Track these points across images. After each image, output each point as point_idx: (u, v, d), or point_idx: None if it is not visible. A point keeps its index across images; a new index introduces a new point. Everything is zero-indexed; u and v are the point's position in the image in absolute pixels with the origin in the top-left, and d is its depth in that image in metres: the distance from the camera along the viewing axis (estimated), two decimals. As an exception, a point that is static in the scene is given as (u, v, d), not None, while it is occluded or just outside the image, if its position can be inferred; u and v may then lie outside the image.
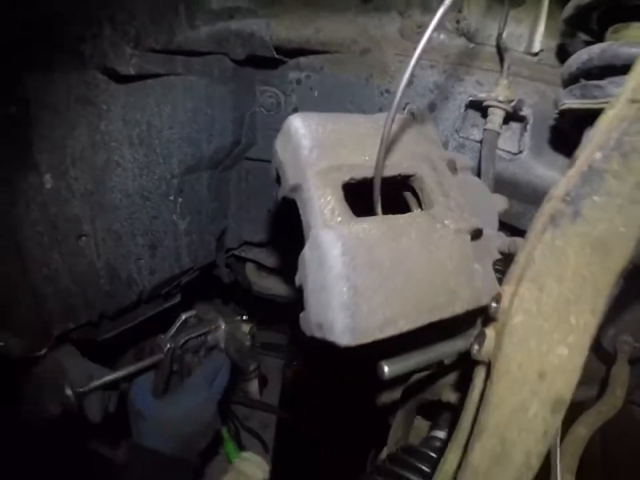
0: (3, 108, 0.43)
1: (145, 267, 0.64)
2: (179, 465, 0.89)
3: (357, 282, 0.28)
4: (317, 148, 0.32)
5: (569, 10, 0.36)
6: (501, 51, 0.43)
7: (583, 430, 0.47)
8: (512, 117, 0.43)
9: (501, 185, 0.41)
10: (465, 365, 0.34)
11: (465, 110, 0.45)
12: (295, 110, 0.56)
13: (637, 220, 0.27)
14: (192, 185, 0.60)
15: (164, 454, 0.84)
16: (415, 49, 0.31)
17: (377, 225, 0.31)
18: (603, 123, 0.28)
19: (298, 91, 0.53)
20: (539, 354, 0.29)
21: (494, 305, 0.30)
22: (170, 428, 0.83)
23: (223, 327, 0.75)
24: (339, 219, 0.31)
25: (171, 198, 0.58)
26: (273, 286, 0.79)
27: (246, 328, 1.17)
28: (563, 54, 0.39)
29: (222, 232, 0.70)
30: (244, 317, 1.40)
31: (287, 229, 0.75)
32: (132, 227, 0.58)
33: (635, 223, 0.27)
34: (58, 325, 0.61)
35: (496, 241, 0.37)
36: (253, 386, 1.20)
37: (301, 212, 0.31)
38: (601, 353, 0.56)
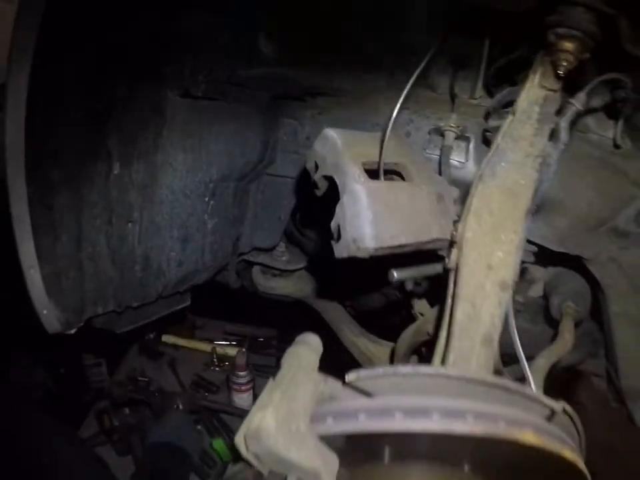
0: (92, 102, 0.57)
1: (175, 259, 0.77)
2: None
3: (376, 211, 0.48)
4: (345, 145, 0.51)
5: (492, 70, 0.61)
6: (453, 98, 0.67)
7: (541, 361, 0.62)
8: (460, 137, 0.65)
9: (454, 184, 0.62)
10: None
11: (430, 135, 0.66)
12: (308, 138, 0.76)
13: (530, 177, 0.51)
14: (222, 191, 0.78)
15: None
16: (398, 97, 0.54)
17: (384, 184, 0.51)
18: (504, 125, 0.50)
19: (311, 124, 0.73)
20: (485, 255, 0.50)
21: (454, 232, 0.50)
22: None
23: None
24: (363, 179, 0.49)
25: (206, 199, 0.76)
26: (277, 286, 0.94)
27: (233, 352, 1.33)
28: (491, 96, 0.64)
29: (238, 237, 0.86)
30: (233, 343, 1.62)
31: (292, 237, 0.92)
32: (171, 220, 0.74)
33: (530, 179, 0.50)
34: (90, 307, 0.69)
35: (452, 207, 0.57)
36: (247, 399, 1.27)
37: (337, 180, 0.50)
38: (550, 320, 0.74)
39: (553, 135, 0.55)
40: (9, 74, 0.52)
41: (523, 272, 0.81)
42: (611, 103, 0.62)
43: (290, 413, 0.34)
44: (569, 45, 0.51)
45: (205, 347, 1.61)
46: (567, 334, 0.73)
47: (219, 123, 0.69)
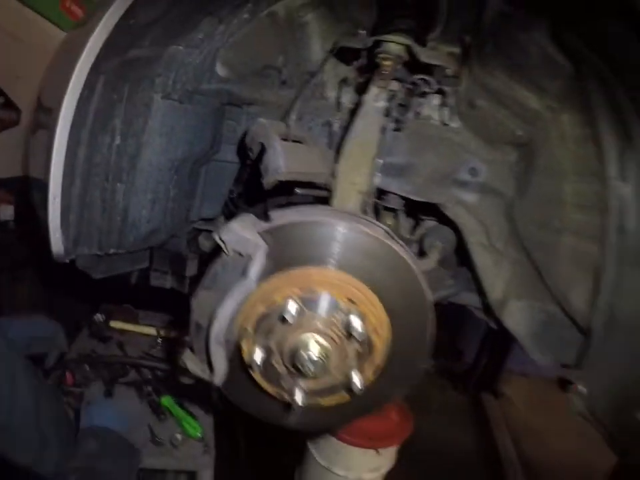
0: (111, 95, 1.18)
1: (145, 216, 1.28)
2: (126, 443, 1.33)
3: (286, 155, 1.10)
4: (269, 125, 1.15)
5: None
6: (339, 104, 1.34)
7: None
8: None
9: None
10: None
11: (323, 126, 1.34)
12: (243, 134, 1.40)
13: (373, 138, 1.12)
14: (182, 169, 1.29)
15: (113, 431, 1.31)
16: (304, 106, 1.24)
17: (291, 144, 1.14)
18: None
19: (245, 124, 1.36)
20: (350, 177, 1.09)
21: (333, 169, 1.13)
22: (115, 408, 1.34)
23: None
24: (278, 139, 1.12)
25: (171, 173, 1.29)
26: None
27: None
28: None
29: (189, 208, 1.41)
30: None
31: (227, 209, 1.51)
32: (146, 184, 1.25)
33: (373, 139, 1.12)
34: (82, 244, 1.22)
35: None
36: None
37: (265, 142, 1.06)
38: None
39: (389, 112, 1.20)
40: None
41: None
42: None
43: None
44: (386, 63, 1.21)
45: (150, 330, 2.41)
46: (432, 257, 1.30)
47: (185, 119, 1.26)
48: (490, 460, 3.51)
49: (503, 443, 3.61)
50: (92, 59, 1.03)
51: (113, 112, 1.16)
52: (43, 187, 1.10)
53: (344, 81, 1.28)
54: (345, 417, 1.05)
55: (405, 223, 1.34)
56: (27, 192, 1.28)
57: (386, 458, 1.64)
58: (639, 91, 0.92)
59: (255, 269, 0.87)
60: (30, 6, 2.37)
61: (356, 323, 0.88)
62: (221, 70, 1.25)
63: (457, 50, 1.23)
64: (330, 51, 1.23)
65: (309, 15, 1.18)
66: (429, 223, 1.33)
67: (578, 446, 3.20)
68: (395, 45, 1.13)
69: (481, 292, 1.29)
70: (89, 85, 1.05)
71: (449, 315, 1.70)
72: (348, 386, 0.93)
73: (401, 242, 0.97)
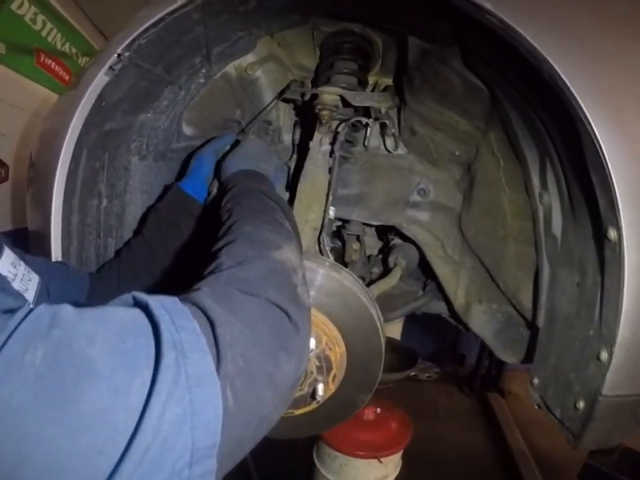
0: (94, 165, 1.39)
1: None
2: None
3: None
4: None
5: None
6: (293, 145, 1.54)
7: (374, 288, 1.35)
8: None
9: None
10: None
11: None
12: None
13: (323, 179, 1.29)
14: None
15: None
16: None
17: None
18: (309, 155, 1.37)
19: None
20: (304, 216, 1.26)
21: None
22: None
23: None
24: None
25: None
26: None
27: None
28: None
29: None
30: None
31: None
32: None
33: (323, 179, 1.28)
34: None
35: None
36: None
37: None
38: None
39: (333, 152, 1.38)
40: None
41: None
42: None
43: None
44: (324, 112, 1.38)
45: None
46: (394, 275, 1.45)
47: (160, 175, 1.44)
48: (504, 458, 3.59)
49: (514, 440, 3.69)
50: (75, 139, 1.24)
51: (97, 178, 1.37)
52: (47, 252, 1.31)
53: (296, 123, 1.47)
54: (317, 424, 1.21)
55: (373, 244, 1.51)
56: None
57: (390, 467, 1.78)
58: (539, 109, 1.06)
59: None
60: (7, 64, 2.55)
61: (311, 343, 1.05)
62: (186, 129, 1.45)
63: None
64: (277, 98, 1.42)
65: (257, 71, 1.37)
66: (394, 241, 1.49)
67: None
68: (329, 95, 1.30)
69: (447, 300, 1.43)
70: (74, 160, 1.25)
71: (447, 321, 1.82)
72: (314, 396, 1.10)
73: (343, 270, 1.13)
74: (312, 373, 1.10)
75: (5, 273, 0.86)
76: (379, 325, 1.09)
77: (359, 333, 1.09)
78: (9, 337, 0.42)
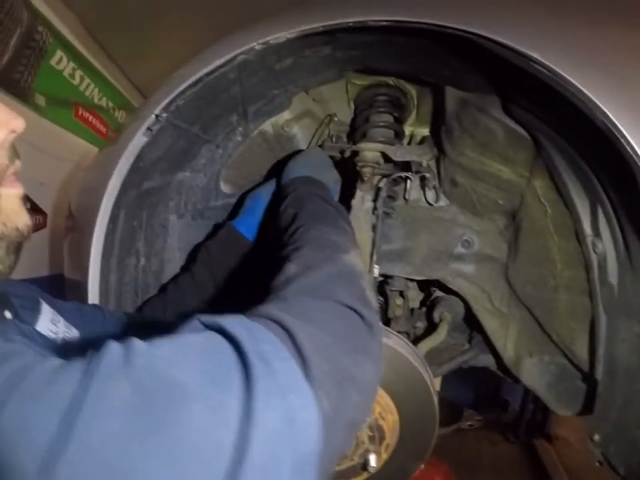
0: (132, 223, 1.41)
1: None
2: None
3: None
4: None
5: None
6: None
7: (422, 346, 1.30)
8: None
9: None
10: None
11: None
12: None
13: (367, 235, 1.30)
14: None
15: None
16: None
17: None
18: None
19: None
20: None
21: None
22: None
23: None
24: None
25: None
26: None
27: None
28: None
29: None
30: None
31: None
32: None
33: (367, 236, 1.29)
34: None
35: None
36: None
37: None
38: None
39: (376, 209, 1.37)
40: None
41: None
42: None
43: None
44: (365, 170, 1.37)
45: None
46: (441, 331, 1.41)
47: (199, 233, 1.45)
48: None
49: (563, 487, 3.47)
50: (113, 199, 1.25)
51: (135, 237, 1.37)
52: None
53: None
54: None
55: (416, 297, 1.47)
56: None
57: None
58: (589, 155, 1.04)
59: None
60: (46, 117, 2.71)
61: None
62: (224, 187, 1.46)
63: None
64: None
65: (294, 127, 1.38)
66: (437, 293, 1.46)
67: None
68: (370, 152, 1.31)
69: (494, 353, 1.38)
70: (112, 220, 1.26)
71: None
72: (366, 467, 1.05)
73: (393, 334, 1.10)
74: (364, 443, 1.06)
75: (46, 333, 0.85)
76: (432, 389, 1.05)
77: (413, 400, 1.05)
78: (92, 378, 0.42)
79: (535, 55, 0.86)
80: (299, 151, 1.37)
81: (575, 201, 1.13)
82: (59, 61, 2.79)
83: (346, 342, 0.61)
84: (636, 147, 0.81)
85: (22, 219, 0.65)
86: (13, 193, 0.65)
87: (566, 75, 0.84)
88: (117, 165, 1.24)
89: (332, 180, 1.26)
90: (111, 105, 3.49)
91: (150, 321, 1.24)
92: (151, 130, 1.21)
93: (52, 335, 0.84)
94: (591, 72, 0.84)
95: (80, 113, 3.06)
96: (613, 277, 1.09)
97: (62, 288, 1.56)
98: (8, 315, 0.67)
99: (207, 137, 1.33)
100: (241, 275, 1.31)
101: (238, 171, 1.45)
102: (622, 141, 0.81)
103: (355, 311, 0.66)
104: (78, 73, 2.99)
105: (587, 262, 1.13)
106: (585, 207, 1.12)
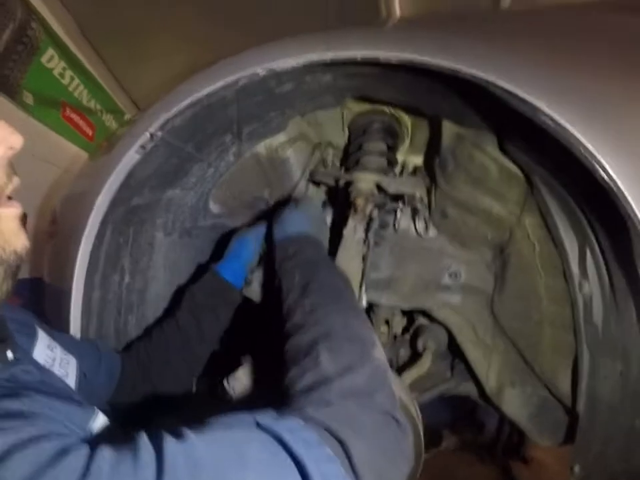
0: (118, 240, 1.38)
1: None
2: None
3: None
4: None
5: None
6: None
7: (405, 376, 1.31)
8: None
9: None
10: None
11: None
12: None
13: (357, 264, 1.30)
14: None
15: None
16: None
17: None
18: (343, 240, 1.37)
19: None
20: None
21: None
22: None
23: None
24: None
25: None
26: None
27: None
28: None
29: None
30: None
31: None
32: (155, 314, 1.47)
33: (357, 264, 1.30)
34: None
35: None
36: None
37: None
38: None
39: (367, 239, 1.39)
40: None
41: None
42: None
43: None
44: (359, 201, 1.38)
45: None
46: (425, 361, 1.43)
47: (185, 252, 1.45)
48: (528, 532, 3.45)
49: (539, 510, 3.55)
50: (101, 216, 1.23)
51: (120, 253, 1.36)
52: (65, 327, 1.28)
53: (324, 204, 1.47)
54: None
55: (399, 322, 1.49)
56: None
57: None
58: (582, 200, 1.07)
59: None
60: (34, 115, 2.66)
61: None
62: (213, 207, 1.46)
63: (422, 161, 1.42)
64: (307, 179, 1.43)
65: (287, 150, 1.38)
66: (421, 321, 1.48)
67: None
68: (365, 183, 1.32)
69: (477, 382, 1.41)
70: (99, 236, 1.24)
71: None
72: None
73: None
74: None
75: (43, 359, 0.85)
76: (418, 422, 1.07)
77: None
78: None
79: (541, 105, 0.89)
80: (289, 200, 1.40)
81: (564, 241, 1.16)
82: (50, 59, 2.74)
83: (389, 449, 0.66)
84: (631, 201, 0.84)
85: (20, 241, 0.64)
86: (12, 213, 0.63)
87: (569, 127, 0.87)
88: (108, 181, 1.22)
89: (326, 237, 1.28)
90: (99, 107, 3.44)
91: (145, 371, 1.25)
92: (144, 148, 1.20)
93: (49, 362, 0.83)
94: (595, 125, 0.87)
95: (68, 113, 3.01)
96: (597, 317, 1.13)
97: (41, 293, 1.53)
98: (10, 355, 0.65)
99: (199, 156, 1.32)
100: (227, 321, 1.32)
101: (228, 191, 1.45)
102: (618, 194, 0.84)
103: (392, 416, 0.69)
104: (68, 73, 2.94)
105: (573, 300, 1.16)
106: (573, 247, 1.15)
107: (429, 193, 1.38)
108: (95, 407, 0.63)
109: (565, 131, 0.88)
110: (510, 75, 0.91)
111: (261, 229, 1.32)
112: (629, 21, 1.03)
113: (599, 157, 0.86)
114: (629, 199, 0.84)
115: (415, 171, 1.43)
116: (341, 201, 1.37)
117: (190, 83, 1.19)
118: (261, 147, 1.38)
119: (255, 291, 1.31)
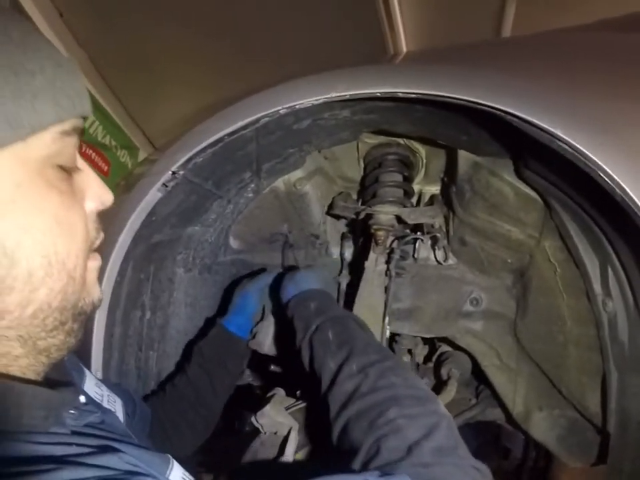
0: (139, 277, 1.42)
1: None
2: None
3: None
4: None
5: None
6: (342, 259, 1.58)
7: None
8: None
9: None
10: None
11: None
12: None
13: (379, 298, 1.36)
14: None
15: None
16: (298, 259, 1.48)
17: None
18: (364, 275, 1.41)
19: None
20: None
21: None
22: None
23: None
24: None
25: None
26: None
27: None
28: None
29: None
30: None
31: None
32: (177, 350, 1.49)
33: (379, 298, 1.36)
34: None
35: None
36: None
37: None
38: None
39: (389, 270, 1.44)
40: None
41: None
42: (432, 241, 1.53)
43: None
44: (379, 233, 1.44)
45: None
46: (450, 390, 1.46)
47: (206, 288, 1.48)
48: None
49: (566, 538, 3.49)
50: (123, 254, 1.27)
51: (141, 290, 1.39)
52: (86, 362, 1.30)
53: (344, 236, 1.53)
54: None
55: (421, 351, 1.52)
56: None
57: None
58: (601, 221, 1.12)
59: (291, 448, 1.06)
60: None
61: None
62: (233, 243, 1.51)
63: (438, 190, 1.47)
64: (326, 213, 1.48)
65: (306, 186, 1.43)
66: (444, 348, 1.51)
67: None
68: (384, 215, 1.37)
69: (503, 407, 1.44)
70: (120, 273, 1.28)
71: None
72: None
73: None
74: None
75: (92, 394, 0.86)
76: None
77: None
78: None
79: (558, 132, 0.93)
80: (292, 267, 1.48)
81: (585, 262, 1.20)
82: (65, 96, 2.83)
83: None
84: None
85: (97, 292, 0.67)
86: (95, 265, 0.67)
87: (588, 153, 0.91)
88: (129, 219, 1.27)
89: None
90: (114, 143, 3.54)
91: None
92: (167, 186, 1.25)
93: (98, 398, 0.86)
94: (613, 149, 0.92)
95: (83, 149, 3.10)
96: (623, 334, 1.16)
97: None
98: (82, 399, 0.67)
99: (219, 193, 1.37)
100: (238, 373, 1.42)
101: (247, 227, 1.50)
102: (638, 212, 0.88)
103: (474, 467, 0.74)
104: (83, 110, 3.05)
105: (597, 320, 1.20)
106: (595, 267, 1.19)
107: (446, 221, 1.43)
108: (169, 455, 0.62)
109: (584, 156, 0.92)
110: (526, 103, 0.96)
111: (261, 281, 1.40)
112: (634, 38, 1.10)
113: (617, 178, 0.90)
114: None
115: (432, 199, 1.49)
116: (359, 234, 1.42)
117: (210, 122, 1.24)
118: (280, 183, 1.43)
119: (259, 343, 1.38)
